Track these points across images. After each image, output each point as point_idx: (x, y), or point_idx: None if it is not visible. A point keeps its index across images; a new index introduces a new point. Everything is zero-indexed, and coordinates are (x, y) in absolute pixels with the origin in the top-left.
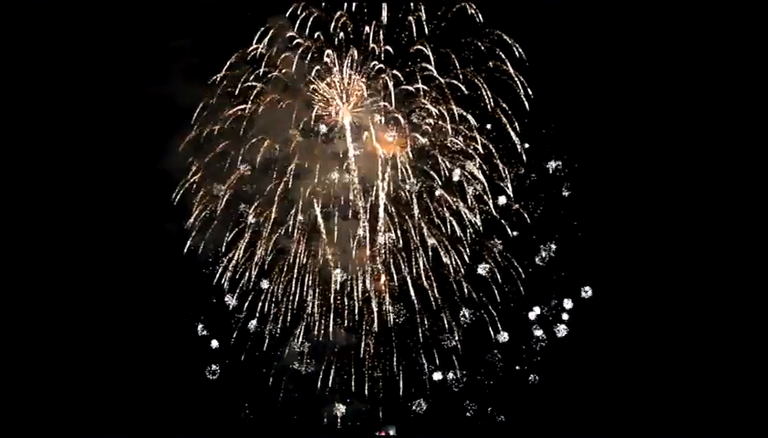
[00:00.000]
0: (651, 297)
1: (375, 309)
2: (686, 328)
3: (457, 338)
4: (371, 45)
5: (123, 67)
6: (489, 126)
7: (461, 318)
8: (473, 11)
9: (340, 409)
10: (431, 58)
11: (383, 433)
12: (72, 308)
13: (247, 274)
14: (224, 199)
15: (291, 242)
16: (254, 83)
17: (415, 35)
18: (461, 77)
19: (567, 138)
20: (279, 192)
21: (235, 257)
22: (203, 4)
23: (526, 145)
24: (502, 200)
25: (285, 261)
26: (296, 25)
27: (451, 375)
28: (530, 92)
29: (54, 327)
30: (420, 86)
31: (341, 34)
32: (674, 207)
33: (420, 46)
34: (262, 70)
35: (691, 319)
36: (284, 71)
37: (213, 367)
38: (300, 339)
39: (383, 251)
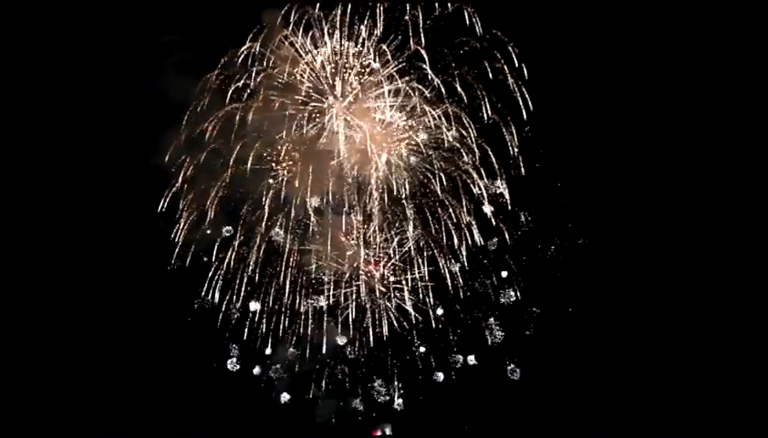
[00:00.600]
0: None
1: (369, 307)
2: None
3: (452, 338)
4: (367, 44)
5: (114, 63)
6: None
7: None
8: (470, 11)
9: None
10: (426, 58)
11: (379, 432)
12: (58, 306)
13: (239, 273)
14: (217, 198)
15: (283, 240)
16: (247, 81)
17: (411, 34)
18: (456, 76)
19: (565, 140)
20: (272, 191)
21: (227, 257)
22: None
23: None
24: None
25: (277, 260)
26: (291, 23)
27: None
28: (527, 96)
29: (41, 324)
30: (415, 85)
31: (336, 33)
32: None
33: (416, 46)
34: (255, 69)
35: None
36: (276, 70)
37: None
38: (293, 339)
39: (378, 249)
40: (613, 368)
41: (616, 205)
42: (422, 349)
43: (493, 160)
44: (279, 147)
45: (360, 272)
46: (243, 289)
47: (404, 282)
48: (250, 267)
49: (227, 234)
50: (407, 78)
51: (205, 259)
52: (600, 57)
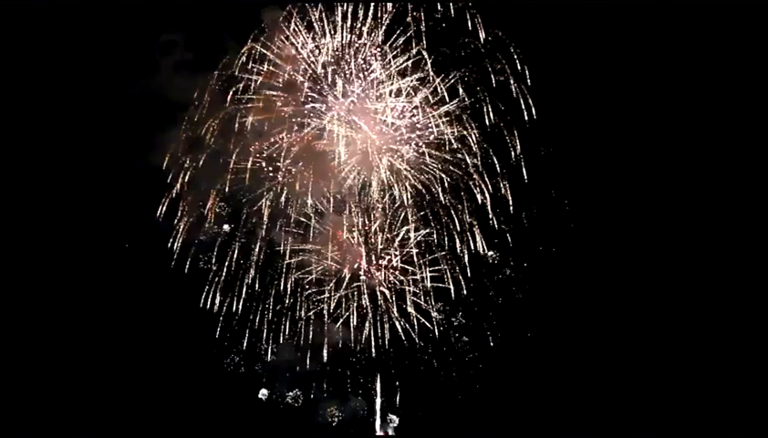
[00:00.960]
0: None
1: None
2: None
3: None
4: (368, 44)
5: (114, 62)
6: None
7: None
8: (472, 12)
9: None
10: (428, 60)
11: (381, 433)
12: (55, 308)
13: (241, 273)
14: (217, 200)
15: (284, 240)
16: (248, 81)
17: (413, 36)
18: (459, 78)
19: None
20: (272, 192)
21: (228, 259)
22: None
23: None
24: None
25: (278, 261)
26: (292, 23)
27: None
28: (529, 99)
29: (35, 326)
30: (417, 85)
31: (338, 34)
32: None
33: (418, 47)
34: (256, 69)
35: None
36: (277, 70)
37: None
38: (295, 339)
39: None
40: (613, 369)
41: (616, 206)
42: (424, 350)
43: (496, 162)
44: (280, 148)
45: (361, 273)
46: (243, 291)
47: (405, 283)
48: (251, 270)
49: (225, 238)
50: (409, 79)
51: (206, 267)
52: (601, 57)
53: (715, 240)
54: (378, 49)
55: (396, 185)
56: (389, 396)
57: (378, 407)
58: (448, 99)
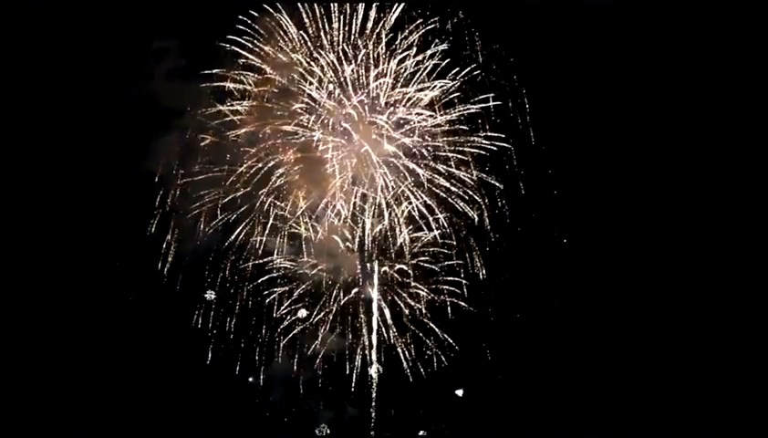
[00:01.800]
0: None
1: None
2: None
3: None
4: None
5: (106, 68)
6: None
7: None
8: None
9: None
10: (424, 73)
11: None
12: (45, 317)
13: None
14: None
15: (279, 248)
16: (243, 90)
17: (411, 47)
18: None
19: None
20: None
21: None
22: (192, 3)
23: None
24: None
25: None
26: (288, 31)
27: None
28: (528, 119)
29: (24, 342)
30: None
31: (335, 44)
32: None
33: (414, 59)
34: (251, 77)
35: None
36: (273, 78)
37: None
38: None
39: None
40: (609, 382)
41: (614, 218)
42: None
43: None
44: (274, 158)
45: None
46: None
47: (401, 297)
48: (245, 283)
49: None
50: (405, 90)
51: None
52: (601, 70)
53: (711, 264)
54: (374, 61)
55: (390, 197)
56: (385, 407)
57: (373, 416)
58: (444, 112)
